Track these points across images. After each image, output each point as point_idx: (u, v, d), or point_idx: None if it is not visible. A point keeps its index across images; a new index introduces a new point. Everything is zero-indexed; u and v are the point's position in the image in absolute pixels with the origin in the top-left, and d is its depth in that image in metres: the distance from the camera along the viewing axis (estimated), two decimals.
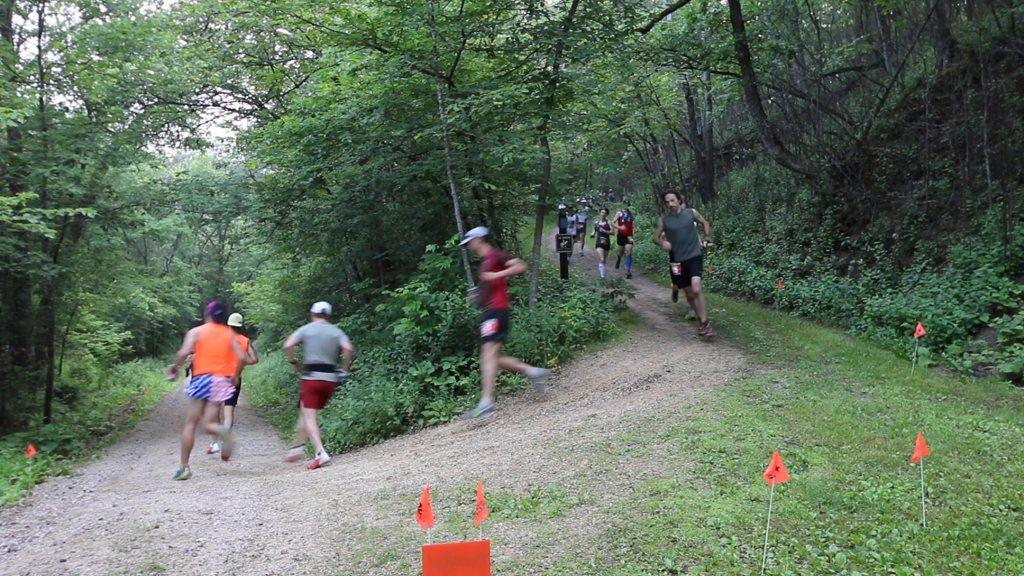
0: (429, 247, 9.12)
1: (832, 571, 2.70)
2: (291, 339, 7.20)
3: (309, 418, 6.87)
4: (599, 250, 15.00)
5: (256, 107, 17.12)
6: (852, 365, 6.60)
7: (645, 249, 16.87)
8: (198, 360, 6.71)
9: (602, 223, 15.26)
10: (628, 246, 14.65)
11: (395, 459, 5.61)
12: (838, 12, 17.71)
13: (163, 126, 16.05)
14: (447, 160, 9.01)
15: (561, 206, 15.40)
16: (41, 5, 12.16)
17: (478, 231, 6.73)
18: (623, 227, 14.51)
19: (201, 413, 6.73)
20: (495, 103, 8.06)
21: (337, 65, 10.88)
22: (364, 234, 12.76)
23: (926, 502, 3.26)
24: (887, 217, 9.57)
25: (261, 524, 3.89)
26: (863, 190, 10.04)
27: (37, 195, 10.04)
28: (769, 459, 3.22)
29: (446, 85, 9.61)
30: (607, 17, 9.52)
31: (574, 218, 17.68)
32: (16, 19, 14.72)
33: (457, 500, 3.79)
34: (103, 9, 13.24)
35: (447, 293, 8.40)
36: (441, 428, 6.73)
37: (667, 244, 8.46)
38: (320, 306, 7.37)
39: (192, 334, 6.78)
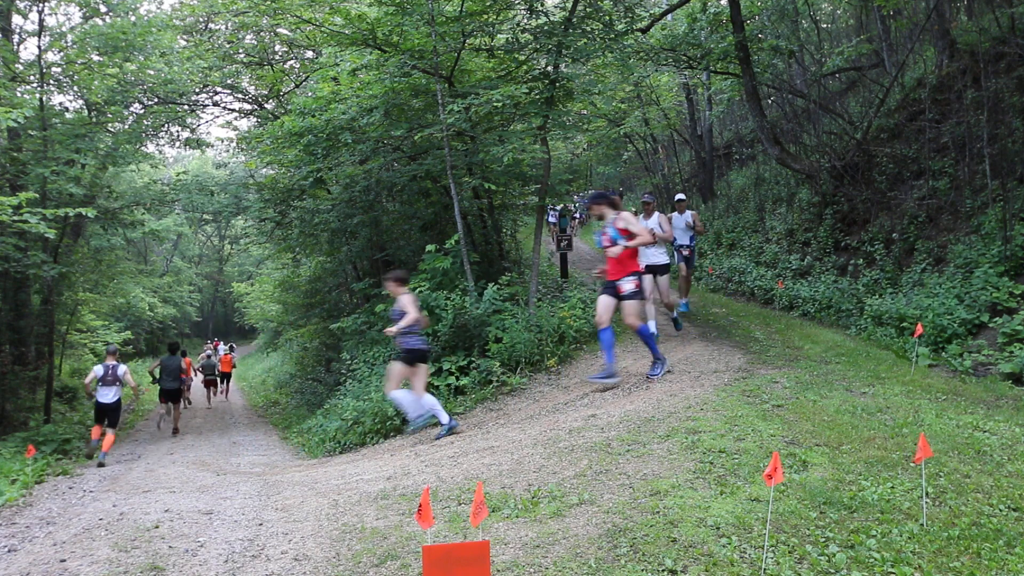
0: (429, 247, 9.12)
1: (832, 571, 2.70)
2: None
3: None
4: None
5: (256, 107, 17.12)
6: (852, 365, 6.60)
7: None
8: None
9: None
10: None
11: (395, 459, 5.61)
12: (838, 12, 17.71)
13: (163, 126, 16.05)
14: (447, 160, 9.02)
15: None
16: (41, 5, 12.15)
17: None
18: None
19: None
20: (495, 103, 8.06)
21: (337, 65, 10.88)
22: (364, 234, 12.75)
23: (926, 502, 3.26)
24: (887, 217, 9.57)
25: (261, 524, 3.88)
26: (863, 190, 10.04)
27: (37, 195, 10.05)
28: (769, 459, 3.21)
29: (446, 85, 9.61)
30: (607, 17, 9.51)
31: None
32: (16, 19, 14.75)
33: (457, 500, 3.79)
34: (103, 9, 13.24)
35: (447, 293, 8.40)
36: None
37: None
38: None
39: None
